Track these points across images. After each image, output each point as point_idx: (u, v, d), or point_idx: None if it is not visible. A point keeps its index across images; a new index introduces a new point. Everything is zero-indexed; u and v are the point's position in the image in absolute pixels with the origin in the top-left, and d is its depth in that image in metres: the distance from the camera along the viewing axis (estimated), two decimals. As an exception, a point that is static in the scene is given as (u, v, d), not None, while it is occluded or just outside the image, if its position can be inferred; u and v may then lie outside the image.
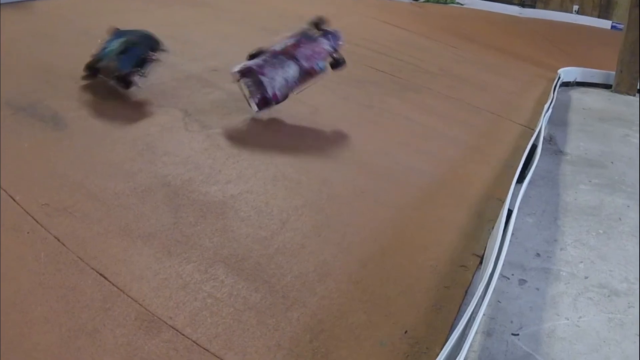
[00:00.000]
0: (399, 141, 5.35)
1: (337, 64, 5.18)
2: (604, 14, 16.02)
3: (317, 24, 5.05)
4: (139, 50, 5.06)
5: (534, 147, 5.00)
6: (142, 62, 5.08)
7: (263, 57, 4.79)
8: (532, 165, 4.68)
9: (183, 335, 2.66)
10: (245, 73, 4.88)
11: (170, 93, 5.49)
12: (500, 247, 3.11)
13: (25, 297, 2.72)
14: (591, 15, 16.10)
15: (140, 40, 5.17)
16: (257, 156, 4.52)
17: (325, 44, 4.95)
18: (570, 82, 8.88)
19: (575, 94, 8.49)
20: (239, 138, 4.78)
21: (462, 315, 2.59)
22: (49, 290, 2.79)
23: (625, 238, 4.11)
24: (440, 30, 11.33)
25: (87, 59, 5.13)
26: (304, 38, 5.04)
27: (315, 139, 5.10)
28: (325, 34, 5.02)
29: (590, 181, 5.09)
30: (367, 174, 4.56)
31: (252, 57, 4.84)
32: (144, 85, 5.17)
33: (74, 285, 2.84)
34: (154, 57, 5.13)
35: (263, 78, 4.81)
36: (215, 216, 3.62)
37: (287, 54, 4.92)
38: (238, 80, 4.95)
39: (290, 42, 5.01)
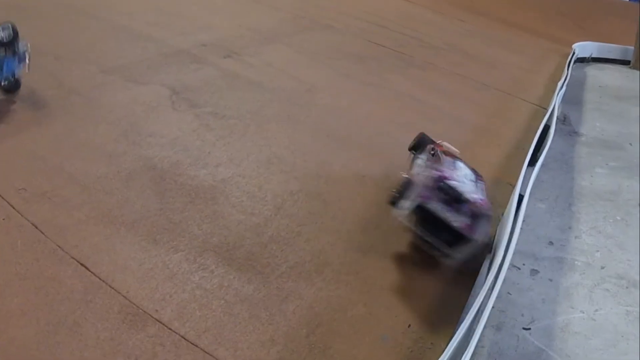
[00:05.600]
0: (402, 121, 5.28)
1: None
2: (621, -15, 15.85)
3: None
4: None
5: (546, 128, 4.96)
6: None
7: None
8: (544, 147, 4.64)
9: (170, 329, 2.63)
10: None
11: (156, 69, 5.41)
12: (510, 235, 3.08)
13: (0, 289, 2.68)
14: (608, -13, 15.93)
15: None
16: (249, 137, 4.46)
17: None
18: (585, 57, 8.81)
19: (591, 70, 8.43)
20: (229, 117, 4.71)
21: (470, 308, 2.56)
22: (26, 281, 2.75)
23: (644, 225, 4.08)
24: (445, 2, 11.22)
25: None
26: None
27: (311, 118, 5.04)
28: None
29: (607, 164, 5.05)
30: (368, 157, 4.51)
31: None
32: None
33: (53, 276, 2.81)
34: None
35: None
36: (204, 201, 3.58)
37: None
38: None
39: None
